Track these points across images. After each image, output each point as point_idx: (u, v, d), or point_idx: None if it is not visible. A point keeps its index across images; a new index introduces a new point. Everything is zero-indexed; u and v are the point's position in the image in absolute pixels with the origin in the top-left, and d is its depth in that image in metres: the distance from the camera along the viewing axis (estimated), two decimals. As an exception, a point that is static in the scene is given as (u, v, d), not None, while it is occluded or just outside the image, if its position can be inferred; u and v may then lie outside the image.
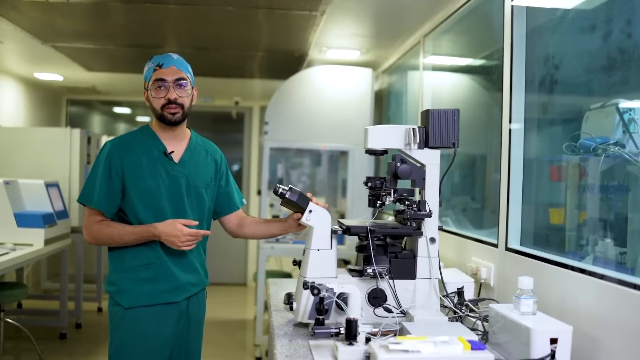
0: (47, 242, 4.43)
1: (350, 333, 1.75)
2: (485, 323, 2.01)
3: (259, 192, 5.41)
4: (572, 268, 1.97)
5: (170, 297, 2.28)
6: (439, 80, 3.91)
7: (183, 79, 2.26)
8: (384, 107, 5.28)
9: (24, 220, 4.32)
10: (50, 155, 5.28)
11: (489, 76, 3.29)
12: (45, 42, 4.56)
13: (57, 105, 7.66)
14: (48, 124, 7.24)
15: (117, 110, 8.58)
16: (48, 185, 4.73)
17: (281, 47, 4.67)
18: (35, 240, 4.32)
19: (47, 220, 4.43)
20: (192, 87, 2.33)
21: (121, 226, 2.23)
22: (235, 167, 7.96)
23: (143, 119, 8.40)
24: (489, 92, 3.38)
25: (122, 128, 8.70)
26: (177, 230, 2.17)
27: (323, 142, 4.77)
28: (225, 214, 2.51)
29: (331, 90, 4.79)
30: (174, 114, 2.25)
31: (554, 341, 1.67)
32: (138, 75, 6.65)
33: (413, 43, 4.13)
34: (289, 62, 5.09)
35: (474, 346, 1.64)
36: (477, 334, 1.95)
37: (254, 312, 5.46)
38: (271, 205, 5.35)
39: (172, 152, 2.31)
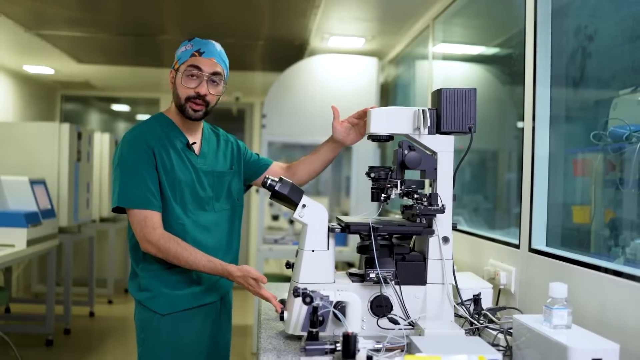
0: (31, 242, 4.20)
1: (348, 350, 1.47)
2: (508, 337, 1.72)
3: (258, 190, 5.14)
4: (614, 272, 1.68)
5: (207, 298, 2.13)
6: (449, 71, 3.66)
7: (219, 74, 2.06)
8: (390, 100, 5.02)
9: (4, 219, 4.09)
10: (38, 151, 5.06)
11: (505, 66, 3.05)
12: (29, 30, 4.33)
13: (51, 102, 7.43)
14: (41, 120, 6.99)
15: (116, 107, 8.34)
16: (33, 183, 4.50)
17: (280, 34, 4.44)
18: (17, 240, 4.09)
19: (30, 219, 4.19)
20: (225, 84, 2.12)
21: (193, 250, 1.99)
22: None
23: (144, 117, 8.15)
24: (503, 84, 3.14)
25: (121, 127, 8.45)
26: (250, 285, 1.99)
27: (325, 137, 4.48)
28: (261, 173, 2.31)
29: (334, 80, 4.54)
30: (196, 110, 2.05)
31: (596, 362, 1.37)
32: (135, 68, 6.41)
33: (422, 28, 3.87)
34: (289, 52, 4.86)
35: (499, 368, 1.35)
36: (499, 350, 1.66)
37: (253, 318, 5.20)
38: (271, 205, 5.09)
39: (194, 143, 2.13)
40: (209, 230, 2.12)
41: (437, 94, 1.89)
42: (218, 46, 2.11)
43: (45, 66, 5.91)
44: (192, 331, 2.09)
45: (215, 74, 2.04)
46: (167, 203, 2.04)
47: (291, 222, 5.03)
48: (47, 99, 7.31)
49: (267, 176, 1.90)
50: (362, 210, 4.42)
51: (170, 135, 2.09)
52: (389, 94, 5.07)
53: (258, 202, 4.95)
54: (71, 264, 5.20)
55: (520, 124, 2.79)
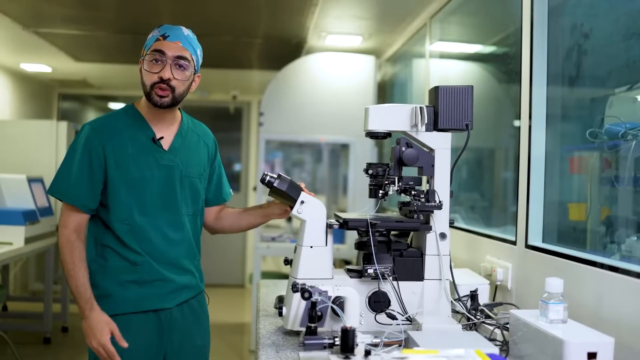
0: (28, 240, 4.19)
1: (346, 345, 1.48)
2: (505, 332, 1.73)
3: (255, 189, 5.16)
4: (609, 268, 1.69)
5: (160, 303, 1.99)
6: (446, 69, 3.67)
7: (185, 59, 1.94)
8: (387, 98, 5.03)
9: (2, 217, 4.09)
10: (35, 149, 5.05)
11: (502, 64, 3.05)
12: (27, 28, 4.32)
13: (48, 100, 7.41)
14: (38, 119, 6.97)
15: (113, 106, 8.34)
16: (31, 181, 4.50)
17: (278, 32, 4.44)
18: (14, 238, 4.07)
19: (28, 217, 4.19)
20: (195, 74, 2.01)
21: (79, 265, 1.89)
22: (237, 168, 7.70)
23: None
24: (500, 82, 3.15)
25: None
26: (97, 340, 1.83)
27: (322, 135, 4.51)
28: (208, 206, 2.20)
29: (331, 79, 4.55)
30: (162, 96, 1.91)
31: (592, 356, 1.39)
32: (132, 66, 6.40)
33: (419, 26, 3.87)
34: (286, 50, 4.86)
35: (496, 362, 1.36)
36: (496, 345, 1.68)
37: (250, 316, 5.21)
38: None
39: (162, 138, 2.00)
40: (172, 232, 2.00)
41: (435, 92, 1.90)
42: (187, 31, 1.99)
43: (42, 64, 5.89)
44: (142, 336, 1.96)
45: (180, 57, 1.92)
46: (119, 201, 1.93)
47: (288, 219, 5.04)
48: (44, 97, 7.29)
49: (265, 172, 1.91)
50: (360, 207, 4.44)
51: (134, 129, 1.98)
52: (386, 92, 5.08)
53: (255, 200, 4.96)
54: (69, 262, 5.19)
55: (516, 122, 2.80)
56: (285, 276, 5.19)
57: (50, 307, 4.81)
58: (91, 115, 8.40)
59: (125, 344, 1.86)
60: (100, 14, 4.15)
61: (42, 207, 4.54)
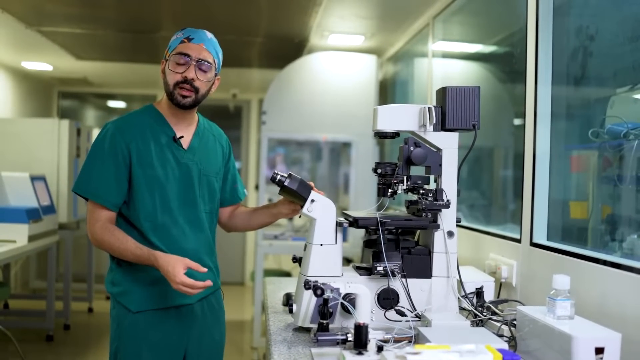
0: (32, 238, 4.21)
1: (360, 340, 1.51)
2: (512, 328, 1.77)
3: (257, 187, 5.18)
4: (612, 265, 1.73)
5: (182, 299, 2.04)
6: (448, 68, 3.69)
7: (208, 62, 2.01)
8: (389, 97, 5.05)
9: (6, 215, 4.10)
10: (37, 148, 5.06)
11: (503, 63, 3.08)
12: (30, 26, 4.34)
13: (48, 98, 7.41)
14: (38, 117, 6.97)
15: (112, 104, 8.34)
16: (34, 179, 4.51)
17: (280, 31, 4.45)
18: (18, 236, 4.10)
19: (31, 215, 4.21)
20: (216, 75, 2.08)
21: (124, 239, 1.93)
22: (237, 165, 7.70)
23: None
24: (501, 82, 3.18)
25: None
26: (174, 282, 1.82)
27: (324, 133, 4.53)
28: (224, 206, 2.26)
29: (333, 77, 4.57)
30: (185, 96, 1.99)
31: (599, 351, 1.43)
32: (132, 65, 6.38)
33: (421, 26, 3.90)
34: (288, 49, 4.87)
35: (506, 356, 1.39)
36: (504, 340, 1.71)
37: (251, 313, 5.23)
38: (269, 200, 5.10)
39: (182, 137, 2.07)
40: (192, 229, 2.06)
41: (442, 92, 1.93)
42: (209, 35, 2.05)
43: (43, 62, 5.89)
44: (166, 332, 2.02)
45: (203, 59, 1.99)
46: (142, 199, 1.98)
47: (290, 218, 5.05)
48: (44, 96, 7.29)
49: (275, 171, 1.94)
50: (362, 206, 4.46)
51: (156, 128, 2.04)
52: (387, 91, 5.10)
53: (257, 198, 4.98)
54: (71, 260, 5.22)
55: (516, 121, 2.83)
56: (285, 274, 5.22)
57: (52, 304, 4.84)
58: (90, 113, 8.40)
59: (203, 269, 1.86)
60: (102, 13, 4.16)
61: (45, 206, 4.56)
